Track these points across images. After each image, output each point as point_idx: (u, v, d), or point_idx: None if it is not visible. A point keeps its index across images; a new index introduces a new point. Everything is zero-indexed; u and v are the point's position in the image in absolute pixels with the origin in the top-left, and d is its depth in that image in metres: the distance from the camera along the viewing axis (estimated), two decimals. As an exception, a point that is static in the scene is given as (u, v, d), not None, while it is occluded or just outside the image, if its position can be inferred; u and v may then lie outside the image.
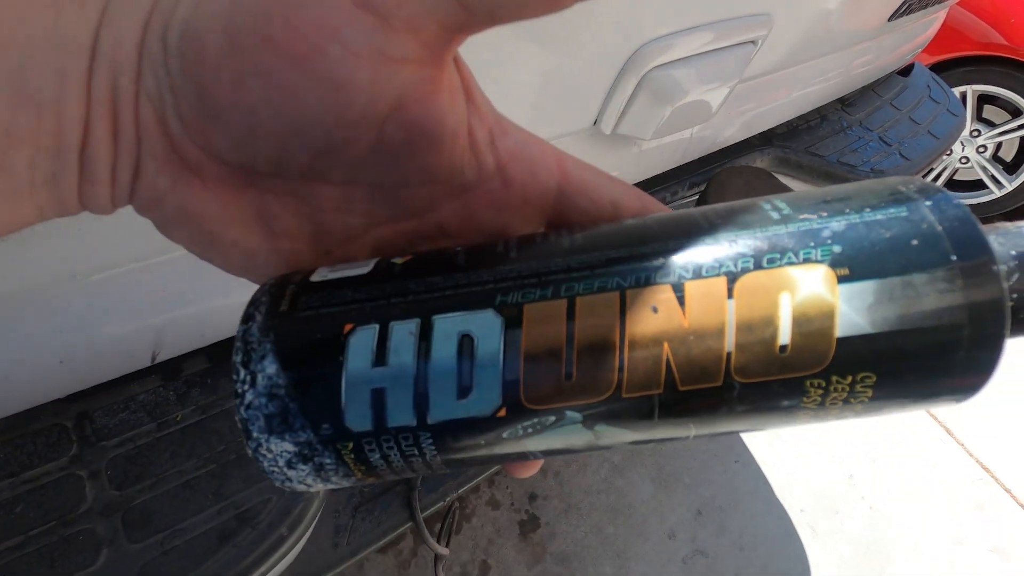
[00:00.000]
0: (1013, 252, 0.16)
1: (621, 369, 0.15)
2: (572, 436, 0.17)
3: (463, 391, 0.16)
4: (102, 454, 0.45)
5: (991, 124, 2.51)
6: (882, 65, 1.07)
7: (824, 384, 0.15)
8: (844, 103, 1.07)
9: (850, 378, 0.15)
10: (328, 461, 0.17)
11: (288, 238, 0.19)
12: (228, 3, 0.14)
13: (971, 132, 2.55)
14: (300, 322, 0.17)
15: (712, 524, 1.52)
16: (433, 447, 0.17)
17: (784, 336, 0.15)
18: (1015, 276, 0.16)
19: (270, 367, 0.16)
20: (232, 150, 0.16)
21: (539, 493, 1.46)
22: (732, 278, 0.15)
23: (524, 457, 0.18)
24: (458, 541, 1.34)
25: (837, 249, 0.15)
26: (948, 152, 2.62)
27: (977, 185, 2.62)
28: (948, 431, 1.92)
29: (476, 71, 0.20)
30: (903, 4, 0.83)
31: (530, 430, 0.16)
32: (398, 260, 0.19)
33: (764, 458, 1.68)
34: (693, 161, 0.86)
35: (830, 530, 1.60)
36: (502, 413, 0.16)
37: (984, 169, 2.56)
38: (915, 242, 0.15)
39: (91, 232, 0.37)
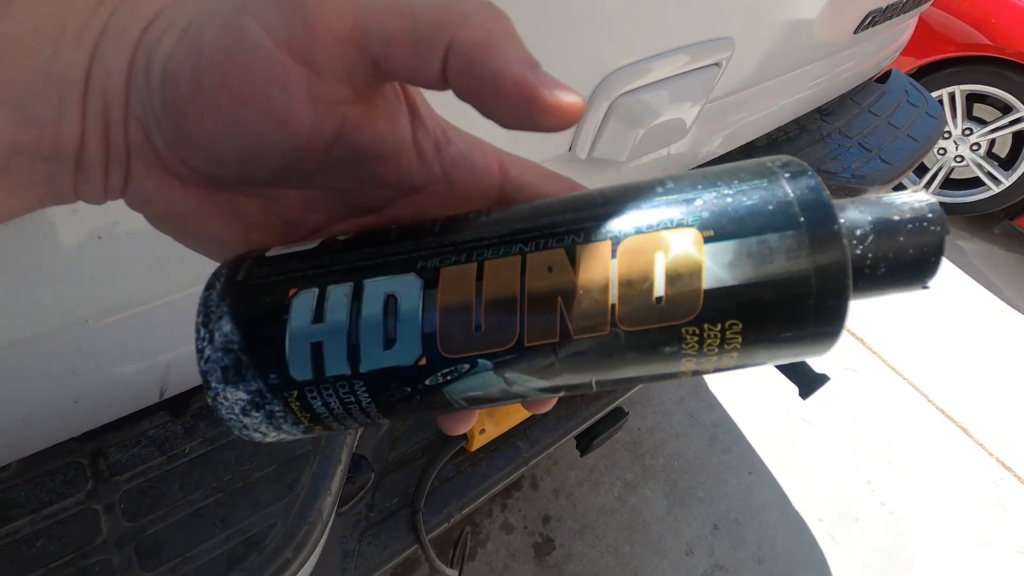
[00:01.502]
0: (869, 218, 0.18)
1: (522, 320, 0.18)
2: (487, 383, 0.19)
3: (389, 343, 0.18)
4: (116, 488, 0.47)
5: (982, 122, 2.53)
6: (858, 73, 1.10)
7: (698, 332, 0.17)
8: (822, 112, 1.10)
9: (719, 326, 0.17)
10: (277, 408, 0.20)
11: (259, 231, 0.22)
12: (195, 52, 0.17)
13: (963, 131, 2.56)
14: (253, 289, 0.20)
15: (729, 538, 1.50)
16: (367, 394, 0.19)
17: (659, 289, 0.17)
18: (870, 239, 0.18)
19: (226, 326, 0.19)
20: (204, 166, 0.19)
21: (553, 515, 1.46)
22: (616, 241, 0.18)
23: (450, 407, 0.20)
24: (473, 567, 1.33)
25: (705, 215, 0.17)
26: (942, 152, 2.64)
27: (975, 183, 2.62)
28: (965, 430, 1.89)
29: (449, 106, 0.23)
30: (867, 17, 0.86)
31: (448, 377, 0.19)
32: (341, 237, 0.21)
33: (778, 468, 1.66)
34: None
35: (850, 538, 1.57)
36: (423, 362, 0.18)
37: (980, 167, 2.57)
38: (771, 207, 0.17)
39: (100, 280, 0.40)
